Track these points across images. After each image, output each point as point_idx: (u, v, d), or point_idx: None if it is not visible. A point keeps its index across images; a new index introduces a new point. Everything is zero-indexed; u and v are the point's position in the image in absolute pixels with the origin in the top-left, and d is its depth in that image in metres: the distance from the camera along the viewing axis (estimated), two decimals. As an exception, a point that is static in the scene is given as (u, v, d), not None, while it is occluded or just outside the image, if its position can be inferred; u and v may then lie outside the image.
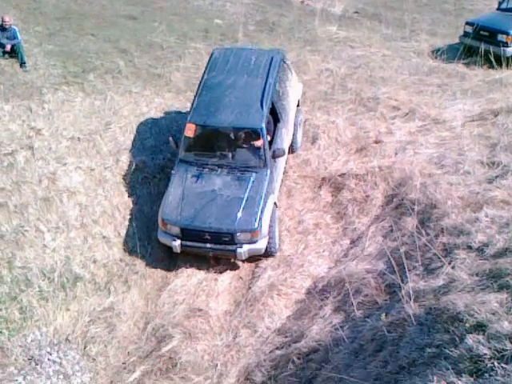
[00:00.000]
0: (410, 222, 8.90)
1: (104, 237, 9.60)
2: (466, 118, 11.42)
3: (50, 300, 8.63)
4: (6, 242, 8.97)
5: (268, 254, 9.43)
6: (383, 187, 10.07)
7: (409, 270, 7.59)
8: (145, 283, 9.32)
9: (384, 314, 7.03)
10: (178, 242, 9.14)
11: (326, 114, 12.10)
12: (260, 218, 9.06)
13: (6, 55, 12.99)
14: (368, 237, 9.27)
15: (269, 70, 10.38)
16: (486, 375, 4.92)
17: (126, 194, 10.28)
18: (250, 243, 9.08)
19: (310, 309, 8.51)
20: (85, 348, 8.39)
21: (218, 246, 9.14)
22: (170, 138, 10.06)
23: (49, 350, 8.22)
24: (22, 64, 12.92)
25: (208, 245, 9.13)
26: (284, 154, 10.01)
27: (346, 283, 8.24)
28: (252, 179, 9.42)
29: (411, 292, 6.87)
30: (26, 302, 8.48)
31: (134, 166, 10.66)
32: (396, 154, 10.69)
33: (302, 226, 9.99)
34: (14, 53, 12.97)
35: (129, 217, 9.99)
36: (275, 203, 9.58)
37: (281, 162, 10.19)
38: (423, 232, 8.46)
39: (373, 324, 7.13)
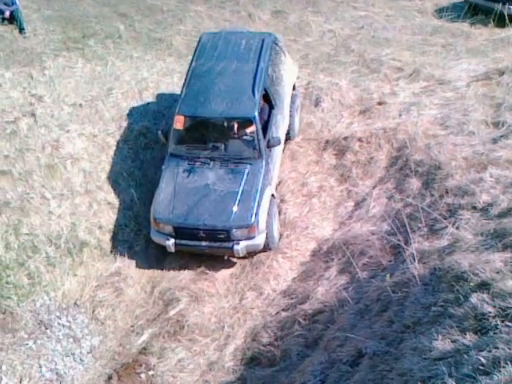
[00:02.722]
0: (414, 184, 8.90)
1: (109, 203, 9.63)
2: (471, 77, 11.30)
3: (58, 266, 8.72)
4: (11, 209, 9.02)
5: (266, 249, 9.02)
6: (387, 149, 10.02)
7: (413, 231, 7.63)
8: (150, 248, 9.39)
9: (389, 275, 7.07)
10: (171, 242, 8.75)
11: (330, 75, 11.98)
12: (257, 213, 8.67)
13: (5, 21, 12.89)
14: (372, 199, 9.27)
15: (260, 53, 9.79)
16: (491, 333, 4.96)
17: (130, 160, 10.26)
18: (247, 239, 8.69)
19: (315, 271, 8.58)
20: (93, 312, 8.51)
21: (213, 244, 8.75)
22: (159, 132, 9.62)
23: (58, 314, 8.36)
24: (21, 30, 12.82)
25: (203, 243, 8.74)
26: (279, 142, 9.51)
27: (351, 245, 8.28)
28: (247, 171, 8.97)
29: (416, 253, 6.90)
30: (34, 268, 8.57)
31: (136, 132, 10.62)
32: (400, 115, 10.60)
33: (307, 188, 9.97)
34: (13, 19, 12.85)
35: (133, 182, 9.99)
36: (273, 195, 9.20)
37: (277, 151, 9.68)
38: (427, 193, 8.48)
39: (378, 285, 7.18)
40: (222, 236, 8.67)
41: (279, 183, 10.05)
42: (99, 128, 10.50)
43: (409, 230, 7.64)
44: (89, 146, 10.17)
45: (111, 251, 9.20)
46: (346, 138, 10.47)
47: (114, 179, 9.93)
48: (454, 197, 7.97)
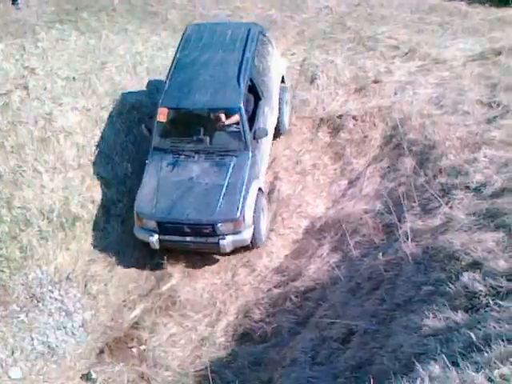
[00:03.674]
0: (408, 163, 8.90)
1: (102, 177, 9.58)
2: (467, 57, 11.23)
3: (50, 240, 8.72)
4: (4, 183, 8.98)
5: (253, 245, 8.77)
6: (382, 128, 9.99)
7: (406, 210, 7.63)
8: (143, 223, 9.37)
9: (381, 253, 7.11)
10: (155, 238, 8.50)
11: (325, 53, 11.89)
12: (242, 206, 8.40)
13: (-2, -8, 12.71)
14: (366, 177, 9.27)
15: (245, 43, 9.50)
16: (482, 311, 5.01)
17: (123, 134, 10.16)
18: (233, 234, 8.43)
19: (307, 248, 8.60)
20: (85, 286, 8.53)
21: (198, 239, 8.50)
22: (143, 126, 9.46)
23: (50, 288, 8.37)
24: (14, 1, 12.65)
25: (188, 238, 8.49)
26: (267, 134, 9.23)
27: (344, 223, 8.30)
28: (232, 164, 8.71)
29: (408, 231, 6.93)
30: (26, 242, 8.57)
31: (130, 106, 10.53)
32: (395, 94, 10.55)
33: (300, 166, 9.96)
34: (6, -11, 12.68)
35: (126, 157, 9.93)
36: (260, 189, 8.90)
37: (265, 143, 9.44)
38: (421, 172, 8.49)
39: (370, 263, 7.23)
40: (207, 231, 8.45)
41: (272, 161, 10.03)
42: (92, 102, 10.39)
43: (402, 208, 7.65)
44: (82, 120, 10.08)
45: (104, 226, 9.18)
46: (340, 116, 10.42)
47: (108, 154, 9.86)
48: (448, 176, 7.98)
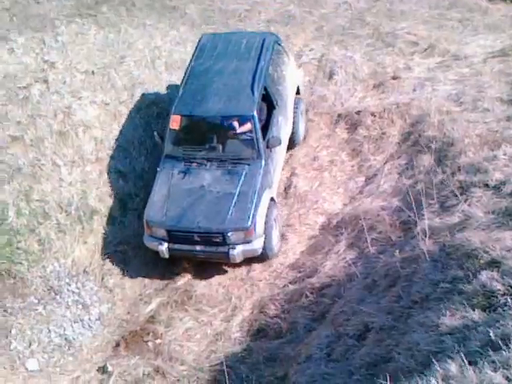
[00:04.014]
0: (427, 160, 8.83)
1: (119, 171, 9.65)
2: (487, 54, 11.11)
3: (68, 233, 8.79)
4: (23, 175, 9.07)
5: (264, 257, 8.60)
6: (400, 124, 9.92)
7: (424, 208, 7.58)
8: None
9: (398, 251, 7.06)
10: (164, 246, 8.38)
11: (344, 48, 11.82)
12: (254, 215, 8.24)
13: (18, -14, 12.79)
14: (383, 174, 9.22)
15: (260, 52, 9.43)
16: (500, 310, 4.96)
17: (141, 129, 10.22)
18: (243, 243, 8.27)
19: (323, 245, 8.58)
20: (102, 280, 8.61)
21: (208, 248, 8.38)
22: (155, 133, 9.32)
23: (67, 280, 8.46)
24: (34, -5, 12.73)
25: (198, 247, 8.36)
26: (280, 143, 9.02)
27: (361, 220, 8.25)
28: (244, 172, 8.58)
29: (426, 229, 6.88)
30: (45, 235, 8.65)
31: (148, 101, 10.57)
32: (414, 90, 10.47)
33: (318, 162, 9.93)
34: (26, -16, 12.76)
35: (144, 151, 9.98)
36: (272, 198, 8.77)
37: (279, 152, 9.28)
38: (439, 170, 8.42)
39: (386, 260, 7.19)
40: (217, 240, 8.33)
41: (290, 157, 10.03)
42: (111, 96, 10.47)
43: (420, 206, 7.60)
44: (101, 114, 10.16)
45: (121, 220, 9.23)
46: (358, 113, 10.37)
47: (125, 148, 9.92)
48: (467, 174, 7.90)
